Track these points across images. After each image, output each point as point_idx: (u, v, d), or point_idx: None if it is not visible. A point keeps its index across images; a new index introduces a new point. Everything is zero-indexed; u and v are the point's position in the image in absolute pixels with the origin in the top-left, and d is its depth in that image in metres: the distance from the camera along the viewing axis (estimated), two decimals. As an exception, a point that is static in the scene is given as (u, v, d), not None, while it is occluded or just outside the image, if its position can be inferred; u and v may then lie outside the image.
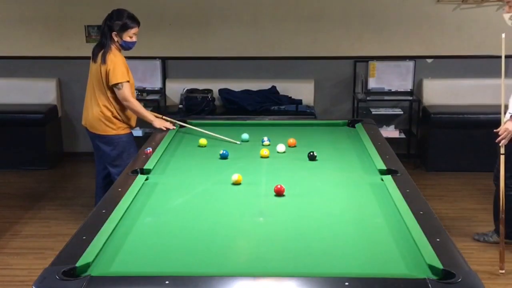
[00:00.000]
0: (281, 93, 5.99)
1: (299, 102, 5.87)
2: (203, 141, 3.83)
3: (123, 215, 2.57)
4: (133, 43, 4.10)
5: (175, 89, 6.06)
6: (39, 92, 6.19)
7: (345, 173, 3.25)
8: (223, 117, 5.35)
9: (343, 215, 2.65)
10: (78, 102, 5.55)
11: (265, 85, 6.03)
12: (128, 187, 2.90)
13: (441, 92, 6.12)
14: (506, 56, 3.77)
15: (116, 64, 4.00)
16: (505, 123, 3.77)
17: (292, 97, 5.95)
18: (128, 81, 4.06)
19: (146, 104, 5.58)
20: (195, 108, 5.72)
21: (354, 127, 4.22)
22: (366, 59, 6.11)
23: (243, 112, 5.60)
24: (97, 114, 4.11)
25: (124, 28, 4.01)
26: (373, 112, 6.00)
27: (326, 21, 6.08)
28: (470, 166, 5.81)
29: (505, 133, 3.74)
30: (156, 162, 3.35)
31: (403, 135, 6.03)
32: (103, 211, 2.59)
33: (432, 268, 2.06)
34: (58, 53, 6.18)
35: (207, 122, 4.43)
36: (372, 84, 6.12)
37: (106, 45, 4.02)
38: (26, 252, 4.18)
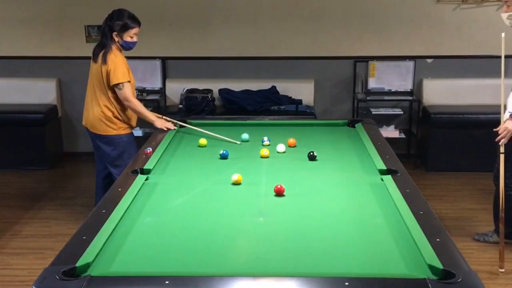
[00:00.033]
0: (281, 93, 5.99)
1: (299, 102, 5.87)
2: (203, 141, 3.83)
3: (123, 215, 2.57)
4: (134, 43, 4.10)
5: (175, 89, 6.06)
6: (39, 92, 6.19)
7: (345, 173, 3.25)
8: (223, 117, 5.34)
9: (343, 215, 2.65)
10: (78, 102, 5.56)
11: (265, 85, 6.03)
12: (128, 187, 2.90)
13: (441, 92, 6.12)
14: (506, 56, 3.77)
15: (117, 64, 4.00)
16: (504, 122, 3.78)
17: (292, 97, 5.95)
18: (129, 81, 4.07)
19: (146, 104, 5.56)
20: (195, 108, 5.72)
21: (354, 127, 4.22)
22: (366, 59, 6.11)
23: (243, 112, 5.60)
24: (98, 114, 4.11)
25: (125, 28, 4.01)
26: (373, 112, 6.00)
27: (326, 21, 6.08)
28: (470, 166, 5.81)
29: (505, 132, 3.75)
30: (156, 162, 3.35)
31: (403, 135, 6.03)
32: (103, 211, 2.59)
33: (432, 268, 2.06)
34: (58, 53, 6.18)
35: (207, 122, 4.43)
36: (372, 84, 6.12)
37: (106, 45, 4.02)
38: (26, 252, 4.18)
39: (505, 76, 3.78)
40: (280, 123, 4.43)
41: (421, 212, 2.54)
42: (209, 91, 5.87)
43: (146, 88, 6.15)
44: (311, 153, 3.46)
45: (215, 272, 2.08)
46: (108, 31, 4.03)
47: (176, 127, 4.18)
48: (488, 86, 5.93)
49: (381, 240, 2.37)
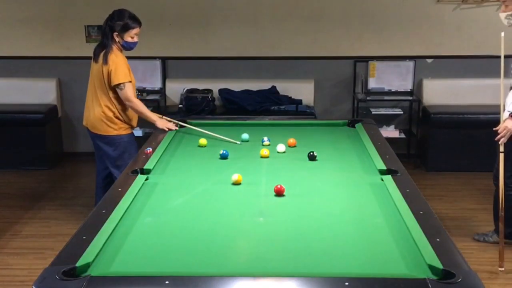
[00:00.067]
0: (281, 93, 5.99)
1: (299, 102, 5.87)
2: (203, 141, 3.83)
3: (123, 215, 2.57)
4: (135, 43, 4.10)
5: (175, 89, 6.06)
6: (39, 92, 6.19)
7: (345, 173, 3.25)
8: (223, 117, 5.34)
9: (343, 215, 2.65)
10: (78, 102, 5.58)
11: (265, 85, 6.03)
12: (128, 187, 2.90)
13: (441, 92, 6.12)
14: (506, 56, 3.77)
15: (118, 64, 4.00)
16: (504, 121, 3.78)
17: (292, 97, 5.95)
18: (130, 81, 4.07)
19: (146, 104, 5.49)
20: (195, 108, 5.72)
21: (354, 127, 4.22)
22: (366, 59, 6.11)
23: (243, 112, 5.60)
24: (99, 114, 4.11)
25: (126, 28, 4.01)
26: (373, 112, 6.00)
27: (326, 21, 6.08)
28: (470, 166, 5.81)
29: (504, 131, 3.75)
30: (156, 162, 3.35)
31: (403, 135, 6.03)
32: (103, 211, 2.59)
33: (432, 268, 2.06)
34: (58, 53, 6.18)
35: (207, 122, 4.42)
36: (372, 84, 6.12)
37: (107, 46, 4.02)
38: (26, 252, 4.18)
39: (505, 76, 3.79)
40: (280, 123, 4.43)
41: (421, 212, 2.54)
42: (209, 91, 5.87)
43: (146, 88, 6.15)
44: (311, 153, 3.46)
45: (215, 272, 2.08)
46: (109, 31, 4.03)
47: (177, 128, 4.18)
48: (488, 86, 5.93)
49: (381, 240, 2.37)
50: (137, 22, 4.06)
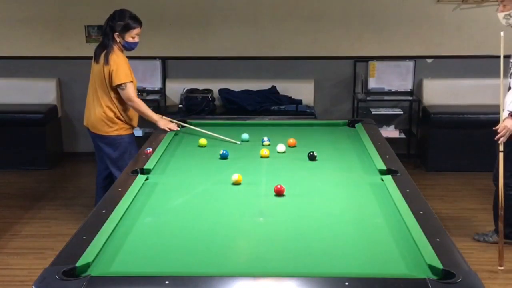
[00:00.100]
0: (281, 93, 5.99)
1: (299, 102, 5.87)
2: (203, 141, 3.83)
3: (123, 215, 2.57)
4: (135, 43, 4.10)
5: (175, 89, 6.06)
6: (39, 92, 6.19)
7: (345, 173, 3.25)
8: (223, 117, 5.34)
9: (343, 215, 2.65)
10: (78, 102, 5.58)
11: (265, 85, 6.03)
12: (128, 187, 2.90)
13: (441, 92, 6.12)
14: (505, 56, 3.77)
15: (119, 64, 4.00)
16: (503, 120, 3.78)
17: (292, 97, 5.95)
18: (132, 81, 4.07)
19: (146, 104, 5.55)
20: (195, 108, 5.72)
21: (354, 127, 4.22)
22: (366, 59, 6.11)
23: (243, 112, 5.60)
24: (100, 114, 4.11)
25: (126, 28, 4.01)
26: (373, 112, 6.00)
27: (326, 21, 6.08)
28: (470, 166, 5.81)
29: (504, 130, 3.75)
30: (156, 162, 3.36)
31: (403, 135, 6.03)
32: (103, 211, 2.59)
33: (432, 268, 2.06)
34: (58, 53, 6.18)
35: (207, 122, 4.43)
36: (372, 84, 6.12)
37: (108, 46, 4.02)
38: (26, 252, 4.18)
39: (505, 75, 3.78)
40: (280, 123, 4.44)
41: (421, 212, 2.54)
42: (209, 91, 5.87)
43: (146, 88, 6.15)
44: (311, 153, 3.46)
45: (215, 272, 2.08)
46: (109, 31, 4.03)
47: (178, 128, 4.18)
48: (488, 86, 5.92)
49: (381, 240, 2.37)
50: (138, 22, 4.06)
